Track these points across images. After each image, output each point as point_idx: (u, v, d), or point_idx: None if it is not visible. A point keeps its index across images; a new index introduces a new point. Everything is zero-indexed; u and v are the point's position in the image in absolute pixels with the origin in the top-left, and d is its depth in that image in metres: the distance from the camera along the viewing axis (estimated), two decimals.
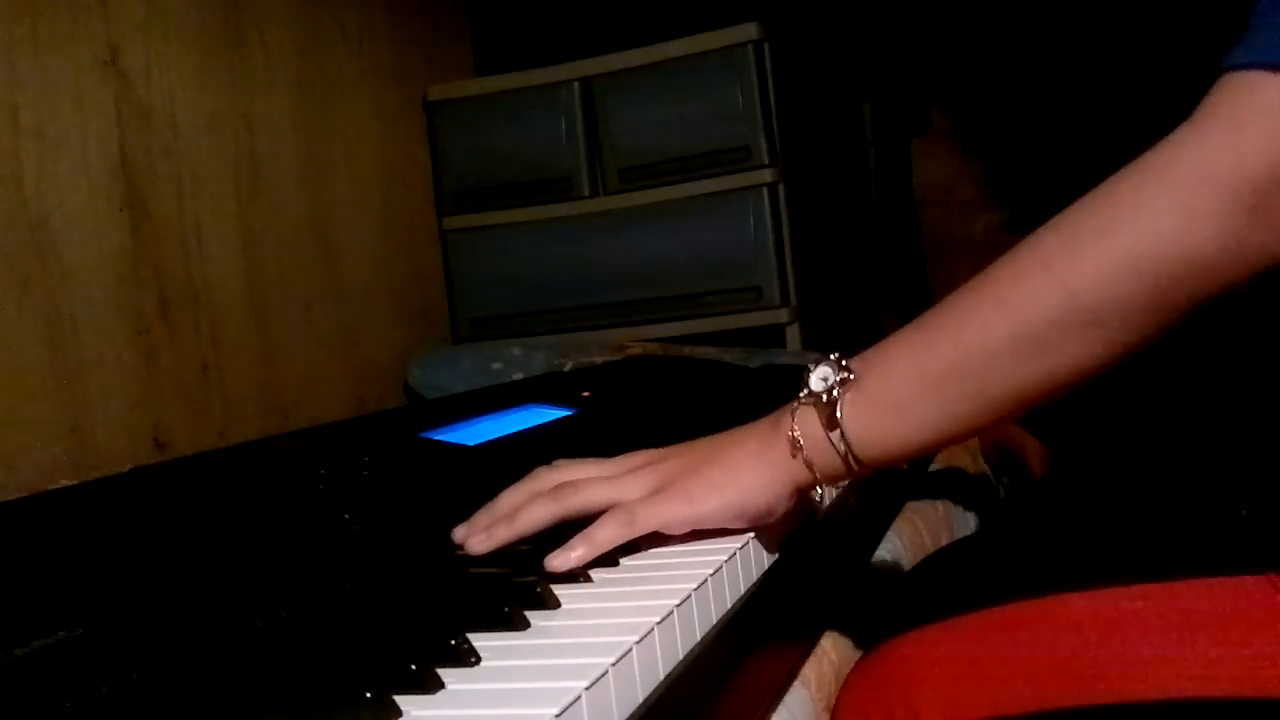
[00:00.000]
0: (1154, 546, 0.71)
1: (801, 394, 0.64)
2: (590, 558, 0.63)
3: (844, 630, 0.81)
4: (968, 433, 0.62)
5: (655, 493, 0.66)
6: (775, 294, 1.96)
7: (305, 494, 0.74)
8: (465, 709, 0.45)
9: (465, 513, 0.77)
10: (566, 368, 1.80)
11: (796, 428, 0.64)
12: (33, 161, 1.37)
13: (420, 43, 2.16)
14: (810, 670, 0.73)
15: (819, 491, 0.64)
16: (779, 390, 1.34)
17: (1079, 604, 0.66)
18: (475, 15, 2.33)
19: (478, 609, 0.55)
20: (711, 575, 0.61)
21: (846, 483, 0.66)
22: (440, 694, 0.46)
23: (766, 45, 1.96)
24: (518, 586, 0.58)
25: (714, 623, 0.59)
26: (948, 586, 0.79)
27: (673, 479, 0.66)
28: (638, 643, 0.49)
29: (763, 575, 0.69)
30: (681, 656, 0.54)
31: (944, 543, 1.05)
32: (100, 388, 1.42)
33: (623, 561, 0.66)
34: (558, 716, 0.42)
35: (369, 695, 0.44)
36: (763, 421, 0.67)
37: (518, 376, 1.78)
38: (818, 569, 0.78)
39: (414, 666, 0.46)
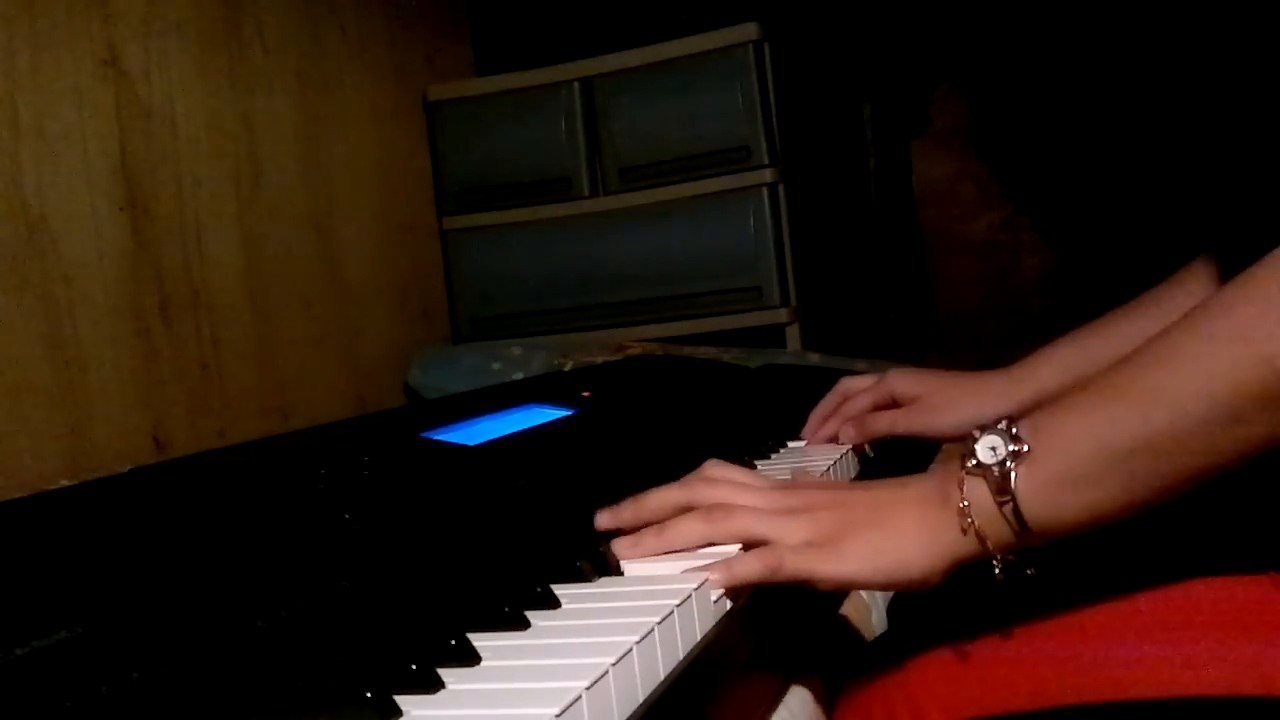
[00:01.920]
0: (1155, 546, 0.71)
1: (969, 463, 0.61)
2: (726, 586, 0.62)
3: (845, 630, 0.81)
4: (1148, 507, 0.60)
5: (808, 544, 0.63)
6: (775, 294, 1.96)
7: (305, 494, 0.74)
8: (466, 709, 0.45)
9: (465, 513, 0.77)
10: (566, 368, 1.80)
11: (966, 500, 0.61)
12: (33, 161, 1.37)
13: (420, 43, 2.16)
14: (810, 670, 0.73)
15: (996, 565, 0.62)
16: (779, 390, 1.34)
17: (1082, 602, 0.66)
18: (475, 15, 2.33)
19: (478, 609, 0.55)
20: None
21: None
22: (441, 693, 0.46)
23: (766, 45, 1.96)
24: (518, 586, 0.58)
25: (715, 622, 0.59)
26: (948, 586, 0.79)
27: (829, 535, 0.64)
28: (638, 643, 0.49)
29: None
30: (682, 657, 0.54)
31: None
32: (100, 388, 1.42)
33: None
34: (558, 716, 0.42)
35: (369, 695, 0.44)
36: (925, 486, 0.64)
37: (518, 376, 1.78)
38: None
39: (414, 666, 0.46)
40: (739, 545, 0.65)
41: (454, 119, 2.14)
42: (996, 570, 0.62)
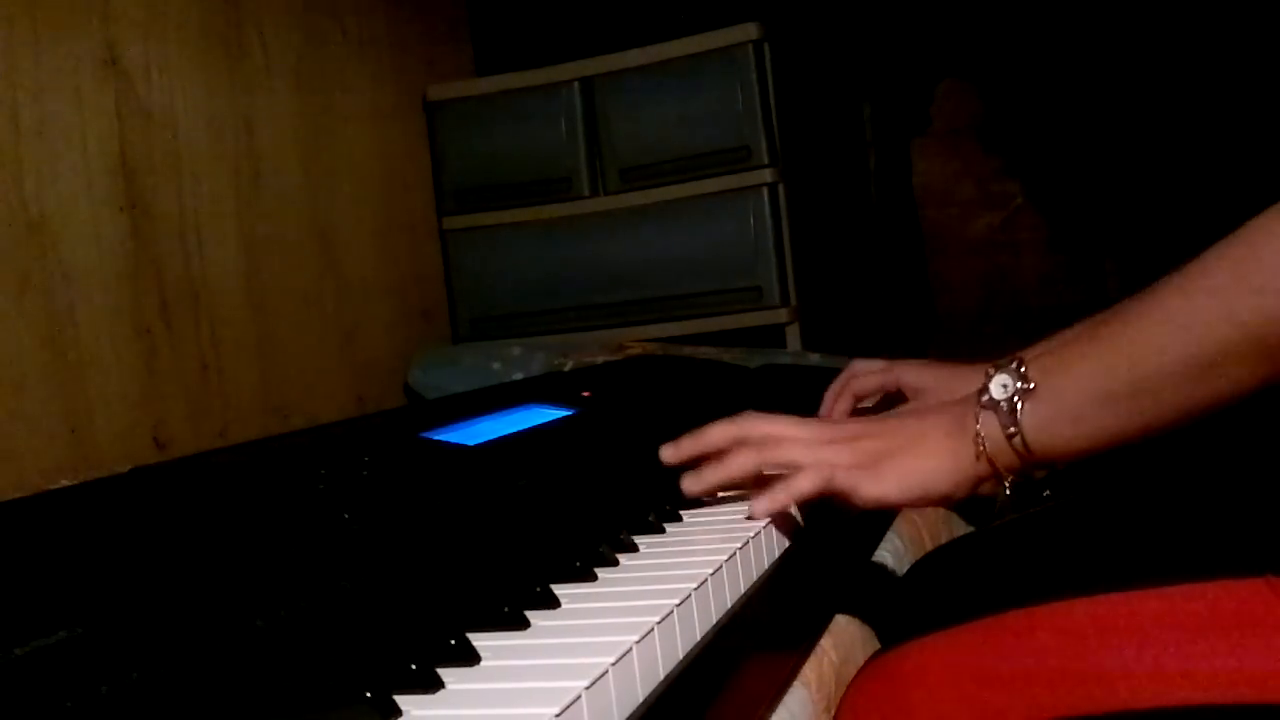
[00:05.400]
0: (1154, 549, 0.71)
1: (984, 398, 0.69)
2: (788, 505, 0.72)
3: (844, 631, 0.81)
4: (1136, 439, 0.67)
5: (851, 466, 0.72)
6: (775, 294, 1.96)
7: (305, 494, 0.74)
8: (465, 708, 0.45)
9: (465, 513, 0.77)
10: (566, 368, 1.80)
11: (981, 431, 0.69)
12: (33, 161, 1.36)
13: (420, 43, 2.16)
14: (810, 670, 0.73)
15: (1005, 485, 0.71)
16: (779, 390, 1.34)
17: (1079, 610, 0.66)
18: (475, 15, 2.33)
19: (478, 608, 0.55)
20: (711, 575, 0.61)
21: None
22: (440, 693, 0.46)
23: (766, 45, 1.96)
24: (518, 586, 0.58)
25: (714, 623, 0.59)
26: (949, 590, 0.79)
27: (870, 459, 0.72)
28: (638, 643, 0.49)
29: (762, 575, 0.69)
30: (681, 656, 0.54)
31: (944, 542, 1.05)
32: (100, 388, 1.42)
33: (623, 561, 0.66)
34: (558, 716, 0.42)
35: (369, 695, 0.44)
36: (946, 416, 0.72)
37: (518, 376, 1.78)
38: (818, 569, 0.78)
39: (414, 666, 0.46)
40: (732, 546, 0.66)
41: (454, 119, 2.14)
42: (1006, 489, 0.70)
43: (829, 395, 1.11)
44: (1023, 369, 0.68)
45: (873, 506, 0.73)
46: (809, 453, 0.73)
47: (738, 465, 0.75)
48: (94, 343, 1.42)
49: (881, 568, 0.97)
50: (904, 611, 0.81)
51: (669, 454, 0.80)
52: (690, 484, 0.76)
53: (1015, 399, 0.68)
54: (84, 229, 1.42)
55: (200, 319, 1.58)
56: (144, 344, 1.49)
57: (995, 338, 2.45)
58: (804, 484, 0.71)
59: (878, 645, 0.80)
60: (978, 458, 0.69)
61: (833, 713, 0.72)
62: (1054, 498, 0.72)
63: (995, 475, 0.70)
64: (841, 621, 0.82)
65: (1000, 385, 0.68)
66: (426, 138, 2.15)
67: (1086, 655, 0.64)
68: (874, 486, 0.71)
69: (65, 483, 1.04)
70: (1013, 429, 0.68)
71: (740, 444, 0.77)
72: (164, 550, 0.62)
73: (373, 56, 2.02)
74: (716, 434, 0.78)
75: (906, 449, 0.72)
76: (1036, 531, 0.80)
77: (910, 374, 1.07)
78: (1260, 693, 0.59)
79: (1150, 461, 0.68)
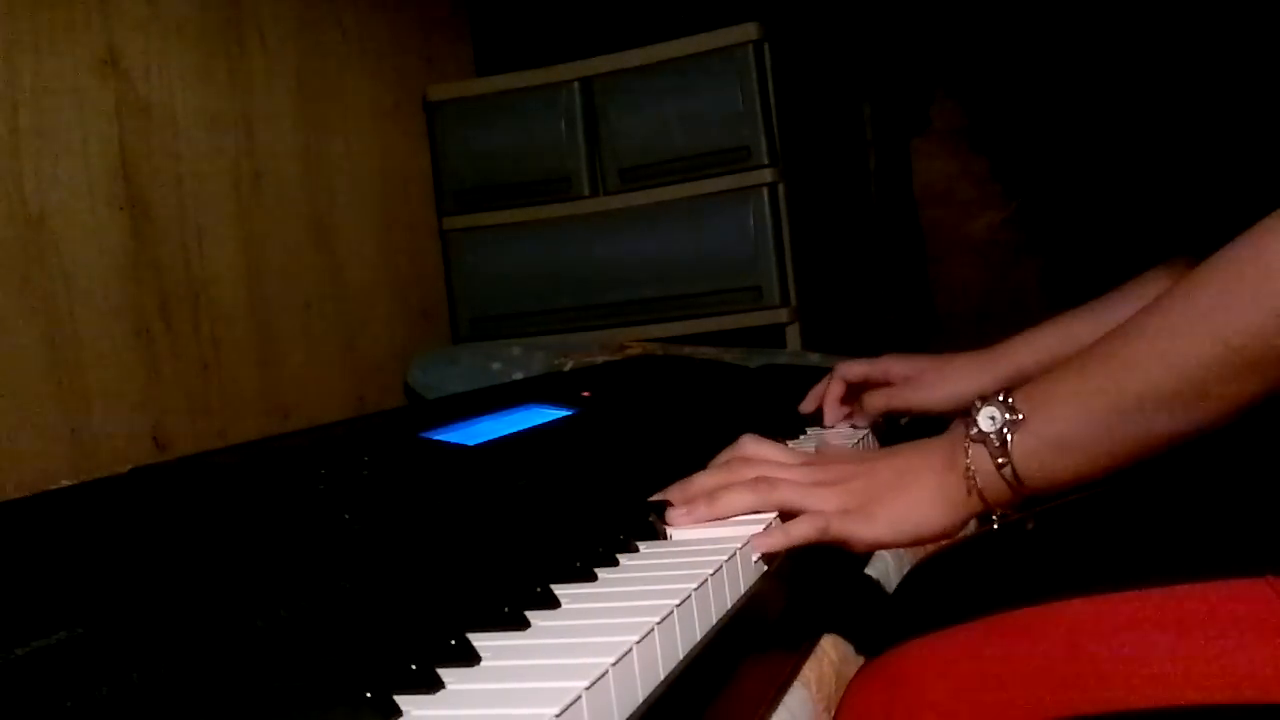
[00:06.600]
0: (1154, 549, 0.71)
1: (972, 431, 0.69)
2: (782, 548, 0.70)
3: (844, 631, 0.81)
4: (1129, 464, 0.67)
5: (844, 511, 0.72)
6: (775, 294, 1.96)
7: (305, 494, 0.74)
8: (465, 709, 0.45)
9: (465, 513, 0.77)
10: (566, 368, 1.80)
11: (971, 466, 0.69)
12: (33, 161, 1.37)
13: (420, 43, 2.16)
14: (810, 670, 0.73)
15: (995, 519, 0.72)
16: (779, 390, 1.34)
17: (1079, 609, 0.66)
18: (475, 15, 2.33)
19: (478, 608, 0.55)
20: (711, 575, 0.61)
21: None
22: (440, 693, 0.46)
23: (766, 45, 1.96)
24: (518, 586, 0.58)
25: (714, 623, 0.59)
26: (949, 591, 0.79)
27: (861, 502, 0.72)
28: (638, 643, 0.49)
29: (762, 575, 0.69)
30: (681, 656, 0.54)
31: (943, 543, 1.05)
32: (100, 388, 1.42)
33: (623, 561, 0.66)
34: (558, 716, 0.42)
35: (369, 695, 0.44)
36: (936, 452, 0.72)
37: (518, 376, 1.78)
38: (817, 569, 0.78)
39: (414, 666, 0.46)
40: (732, 547, 0.67)
41: (454, 119, 2.14)
42: (995, 524, 0.71)
43: (813, 392, 1.15)
44: (1010, 400, 0.68)
45: (867, 549, 0.74)
46: (801, 496, 0.73)
47: (731, 505, 0.75)
48: (94, 343, 1.42)
49: (881, 569, 0.97)
50: (904, 613, 0.81)
51: (680, 517, 0.75)
52: (681, 518, 0.74)
53: (1004, 430, 0.68)
54: (84, 229, 1.42)
55: (200, 319, 1.58)
56: (144, 344, 1.49)
57: (995, 338, 2.45)
58: (799, 532, 0.71)
59: (875, 649, 0.80)
60: (969, 493, 0.70)
61: (833, 713, 0.72)
62: (1038, 528, 0.72)
63: (987, 510, 0.70)
64: (841, 622, 0.82)
65: (988, 418, 0.69)
66: (426, 138, 2.15)
67: (1086, 655, 0.64)
68: (867, 531, 0.71)
69: (65, 483, 1.04)
70: (1003, 460, 0.68)
71: (734, 468, 0.77)
72: (164, 550, 0.62)
73: (373, 56, 2.02)
74: (705, 484, 0.77)
75: (897, 488, 0.72)
76: (1035, 534, 0.80)
77: (897, 364, 1.09)
78: (1261, 693, 0.59)
79: (1150, 462, 0.68)
